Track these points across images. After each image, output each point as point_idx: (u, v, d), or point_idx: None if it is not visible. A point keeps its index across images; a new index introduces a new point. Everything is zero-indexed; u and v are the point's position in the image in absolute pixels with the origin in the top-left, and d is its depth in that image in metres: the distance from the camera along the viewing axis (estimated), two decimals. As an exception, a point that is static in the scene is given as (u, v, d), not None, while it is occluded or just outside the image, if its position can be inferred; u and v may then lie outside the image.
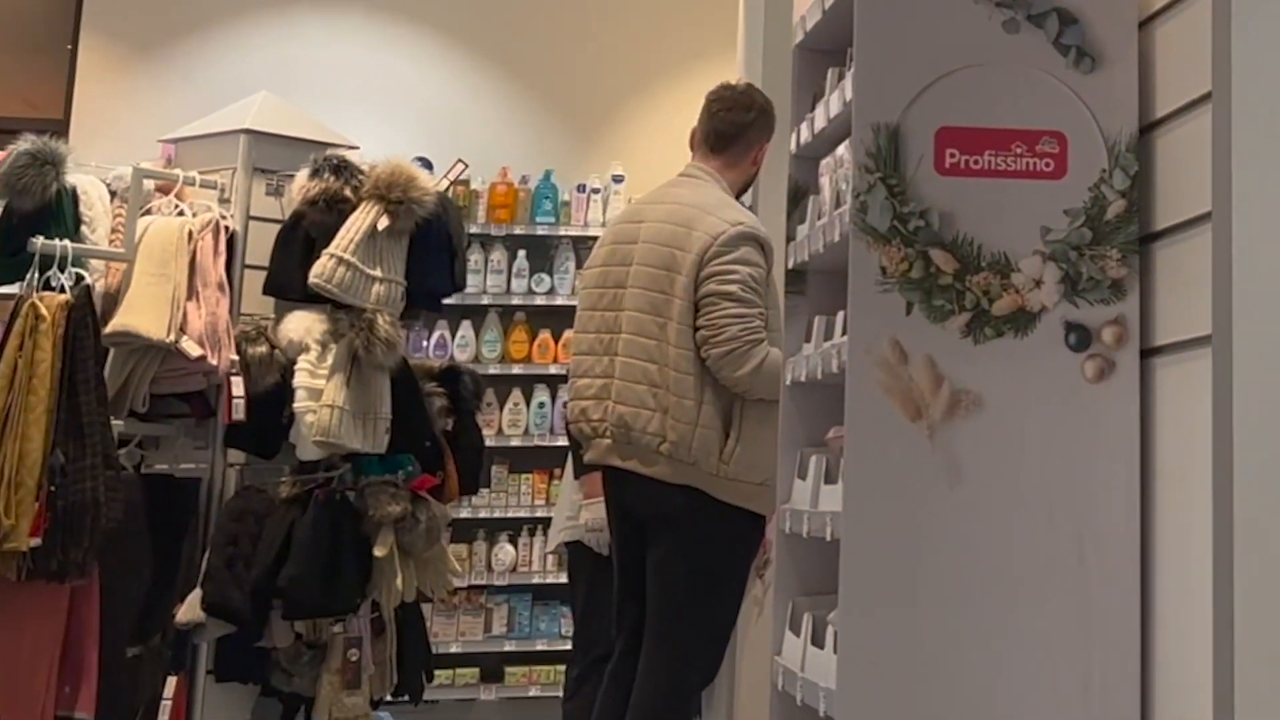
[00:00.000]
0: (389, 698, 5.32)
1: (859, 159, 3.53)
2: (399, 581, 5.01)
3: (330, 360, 5.04)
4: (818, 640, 3.89)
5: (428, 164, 7.60)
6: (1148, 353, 3.49)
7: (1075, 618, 3.45)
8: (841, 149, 3.93)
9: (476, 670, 8.39)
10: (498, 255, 8.57)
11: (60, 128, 8.57)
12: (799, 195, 4.37)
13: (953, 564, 3.45)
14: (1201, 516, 3.15)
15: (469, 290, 7.91)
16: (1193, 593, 3.22)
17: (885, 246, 3.49)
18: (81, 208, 5.22)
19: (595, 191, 8.74)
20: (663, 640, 5.13)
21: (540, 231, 8.66)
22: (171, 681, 5.00)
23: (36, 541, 4.59)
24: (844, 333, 3.70)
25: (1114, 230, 3.49)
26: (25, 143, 5.08)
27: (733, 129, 5.42)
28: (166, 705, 4.96)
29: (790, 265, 4.34)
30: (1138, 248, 3.49)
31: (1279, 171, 3.08)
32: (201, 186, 5.44)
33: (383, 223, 5.15)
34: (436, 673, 7.60)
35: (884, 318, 3.48)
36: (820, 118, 4.18)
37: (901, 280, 3.47)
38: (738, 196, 5.50)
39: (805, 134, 4.33)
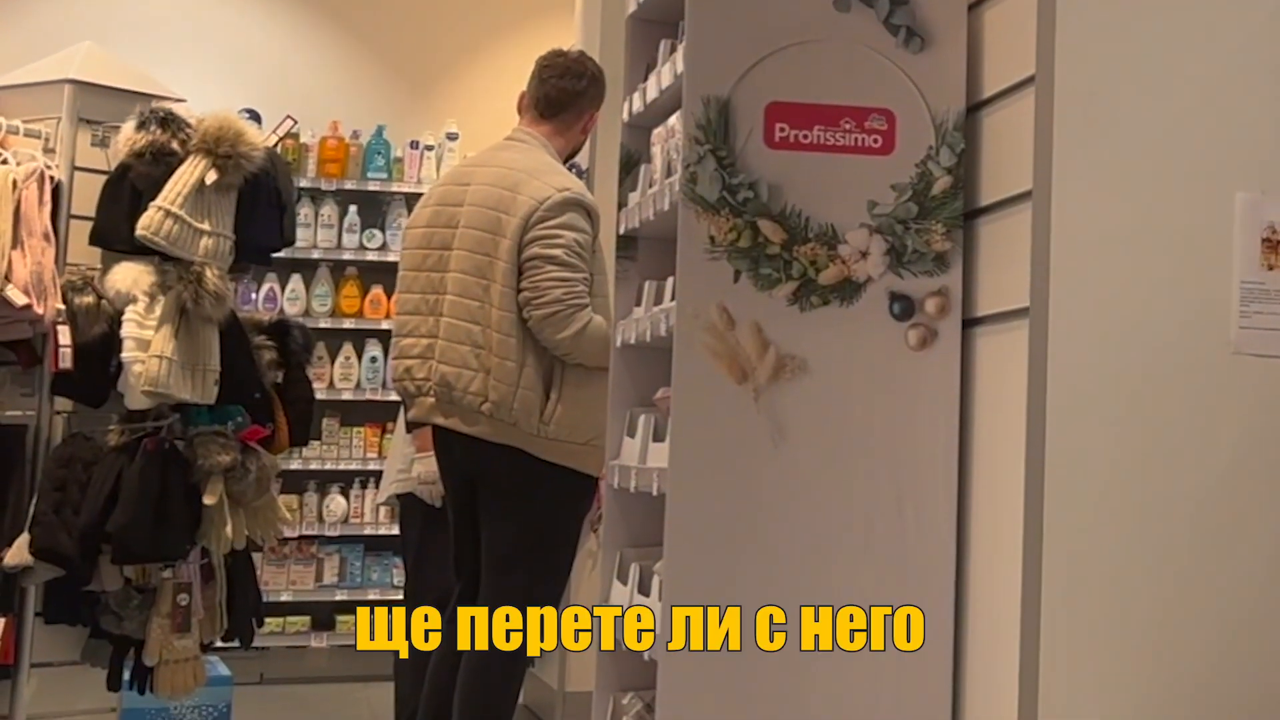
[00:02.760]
0: (219, 642, 5.36)
1: (689, 130, 3.61)
2: (228, 529, 5.06)
3: (158, 311, 5.04)
4: (644, 588, 4.00)
5: (256, 116, 7.59)
6: (969, 323, 3.62)
7: (893, 572, 3.58)
8: (673, 119, 4.02)
9: (308, 618, 8.43)
10: (328, 210, 8.54)
11: None
12: (631, 163, 4.46)
13: (776, 518, 3.56)
14: (1014, 476, 3.29)
15: (299, 244, 7.93)
16: (1003, 547, 3.35)
17: (714, 216, 3.57)
18: (-98, 154, 5.18)
19: (429, 148, 8.73)
20: (497, 594, 5.22)
21: (372, 187, 8.63)
22: None
23: None
24: (673, 298, 3.79)
25: (939, 205, 3.60)
26: None
27: (564, 96, 5.48)
28: (-6, 646, 4.98)
29: (621, 231, 4.42)
30: (962, 223, 3.61)
31: (1096, 153, 3.20)
32: (25, 135, 5.39)
33: (210, 177, 5.14)
34: (268, 620, 7.68)
35: (712, 284, 3.57)
36: (652, 88, 4.26)
37: (730, 249, 3.56)
38: (565, 162, 5.57)
39: (638, 103, 4.40)
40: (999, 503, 3.46)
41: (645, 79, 4.38)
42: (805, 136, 3.61)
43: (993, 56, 3.60)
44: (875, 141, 3.62)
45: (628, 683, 4.26)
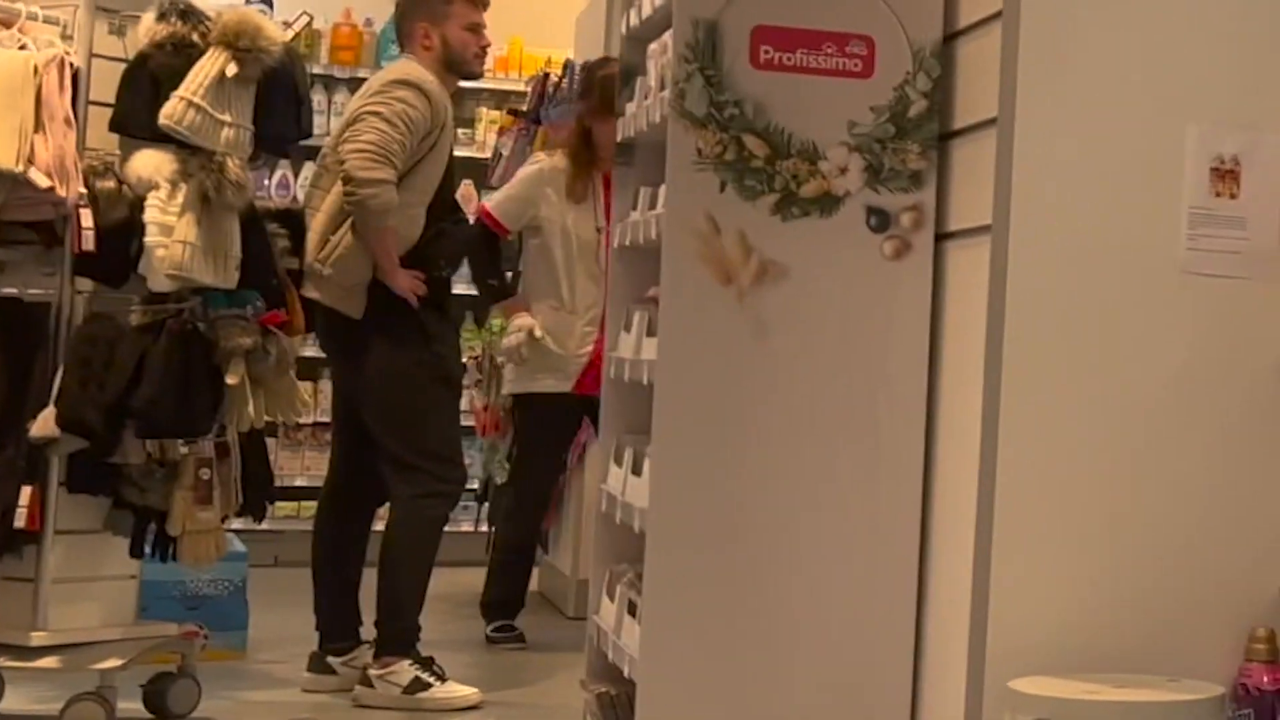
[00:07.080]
0: (234, 521, 5.55)
1: (678, 50, 3.89)
2: (250, 409, 5.24)
3: (180, 199, 5.17)
4: (636, 469, 4.31)
5: (269, 2, 7.70)
6: (942, 236, 3.91)
7: (866, 461, 3.91)
8: (667, 35, 4.24)
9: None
10: (341, 98, 8.62)
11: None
12: (629, 75, 4.71)
13: (757, 404, 3.89)
14: (977, 374, 3.57)
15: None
16: (967, 437, 3.64)
17: (701, 130, 3.85)
18: (-78, 39, 5.26)
19: (443, 38, 8.83)
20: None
21: (386, 76, 8.72)
22: (26, 491, 5.17)
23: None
24: (665, 204, 4.05)
25: (915, 127, 3.88)
26: None
27: (398, 21, 6.09)
28: (21, 512, 5.14)
29: (619, 139, 4.68)
30: (936, 144, 3.90)
31: (1057, 84, 3.45)
32: (44, 22, 5.48)
33: (230, 69, 5.26)
34: (282, 504, 7.86)
35: (699, 193, 3.85)
36: (647, 4, 4.50)
37: (716, 161, 3.84)
38: (451, 71, 5.96)
39: (634, 18, 4.65)
40: (963, 396, 3.75)
41: (641, -6, 4.60)
42: (789, 59, 3.88)
43: (968, -11, 3.85)
44: (856, 65, 3.89)
45: (621, 555, 4.56)
